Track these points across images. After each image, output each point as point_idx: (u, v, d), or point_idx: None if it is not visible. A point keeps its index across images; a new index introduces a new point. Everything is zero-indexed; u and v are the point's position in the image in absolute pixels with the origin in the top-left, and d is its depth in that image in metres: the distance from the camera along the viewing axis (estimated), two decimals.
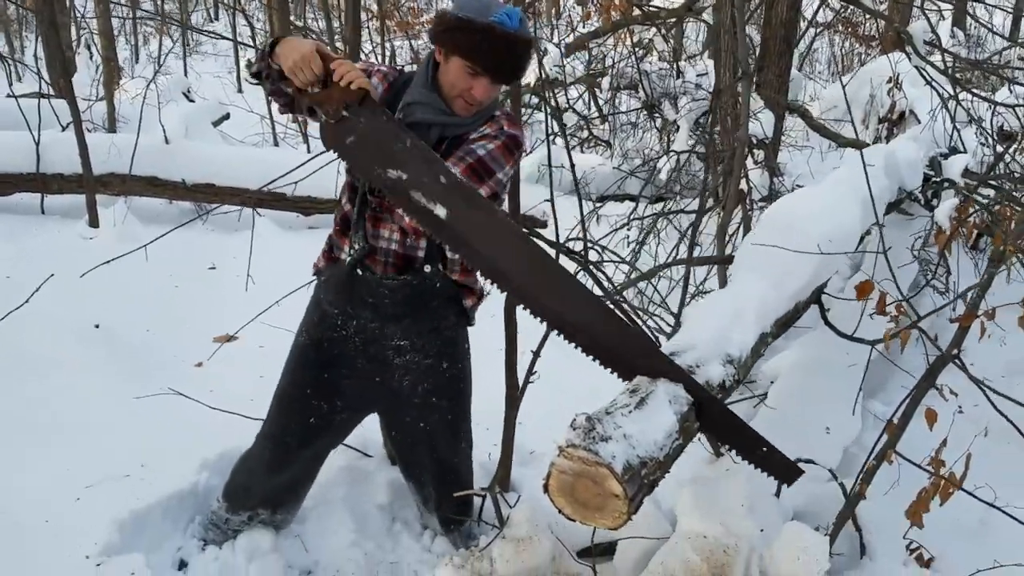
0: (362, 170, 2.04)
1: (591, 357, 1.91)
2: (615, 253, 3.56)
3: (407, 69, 2.24)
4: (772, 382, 3.38)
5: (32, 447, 2.82)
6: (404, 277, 2.18)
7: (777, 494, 2.37)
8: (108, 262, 2.81)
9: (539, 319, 1.94)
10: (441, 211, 1.89)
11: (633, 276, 3.17)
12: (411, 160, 1.92)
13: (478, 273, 2.07)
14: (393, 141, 1.94)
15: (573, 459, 1.58)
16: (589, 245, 2.99)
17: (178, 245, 5.24)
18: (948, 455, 2.54)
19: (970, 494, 2.26)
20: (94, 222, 5.29)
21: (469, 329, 2.40)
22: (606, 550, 2.44)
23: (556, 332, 1.92)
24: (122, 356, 3.58)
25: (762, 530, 2.23)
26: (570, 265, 2.58)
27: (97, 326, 3.86)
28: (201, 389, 3.16)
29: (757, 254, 2.57)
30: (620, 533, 2.34)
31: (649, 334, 2.91)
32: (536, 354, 2.49)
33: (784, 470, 1.94)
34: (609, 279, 2.82)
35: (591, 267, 2.69)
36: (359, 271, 2.17)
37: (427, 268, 2.19)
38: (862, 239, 3.21)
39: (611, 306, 2.03)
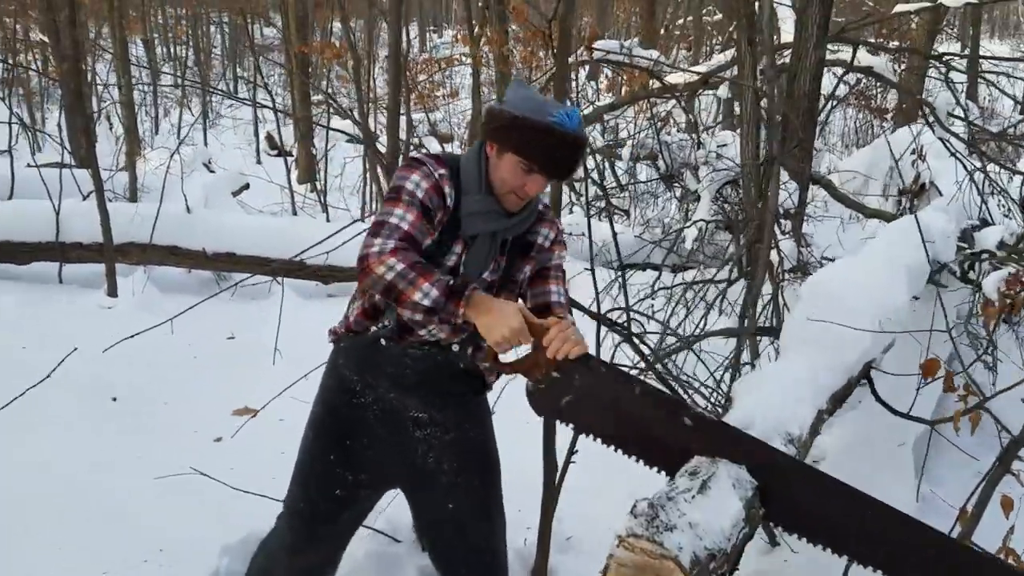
0: (584, 428, 1.88)
1: None
2: (663, 324, 3.45)
3: (445, 151, 2.19)
4: (816, 462, 3.22)
5: (48, 529, 2.70)
6: (427, 349, 2.11)
7: None
8: (132, 336, 2.72)
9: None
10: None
11: (672, 345, 3.05)
12: (644, 408, 1.78)
13: None
14: (621, 392, 1.80)
15: (635, 550, 1.43)
16: (632, 316, 2.89)
17: (197, 314, 5.19)
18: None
19: None
20: (113, 291, 5.24)
21: (491, 398, 2.29)
22: None
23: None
24: (140, 431, 3.49)
25: None
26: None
27: (115, 399, 3.76)
28: (221, 466, 3.04)
29: (807, 327, 2.47)
30: None
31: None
32: (576, 434, 2.36)
33: None
34: (652, 349, 2.71)
35: (634, 338, 2.58)
36: (383, 342, 2.09)
37: (455, 347, 2.12)
38: None
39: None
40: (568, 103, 2.73)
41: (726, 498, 1.62)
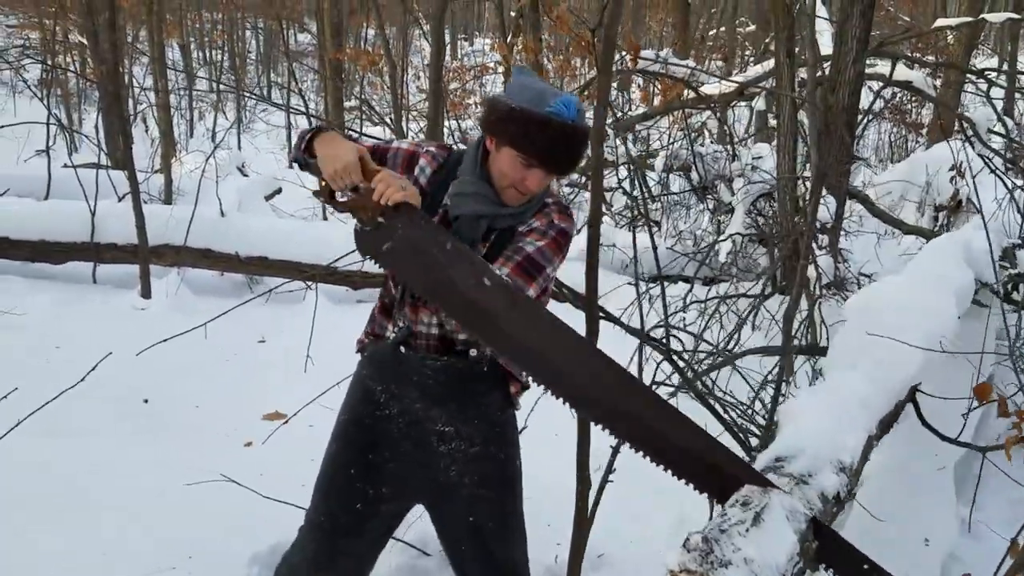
0: (401, 276, 1.99)
1: (661, 466, 1.73)
2: (708, 342, 3.40)
3: (456, 147, 2.15)
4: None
5: (76, 530, 2.69)
6: (446, 359, 2.08)
7: None
8: (168, 340, 2.71)
9: (601, 426, 1.77)
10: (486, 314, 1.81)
11: (714, 361, 3.00)
12: (453, 263, 1.83)
13: (528, 376, 1.95)
14: (433, 246, 1.85)
15: None
16: (671, 333, 2.84)
17: (228, 317, 5.22)
18: None
19: None
20: (146, 292, 5.27)
21: (518, 413, 2.25)
22: None
23: (614, 435, 1.78)
24: (170, 434, 3.49)
25: None
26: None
27: (146, 401, 3.77)
28: (251, 472, 3.02)
29: (854, 350, 2.41)
30: None
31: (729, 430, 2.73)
32: (616, 450, 2.32)
33: None
34: (690, 365, 2.66)
35: (673, 356, 2.53)
36: (402, 349, 2.07)
37: (472, 352, 2.09)
38: None
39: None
40: (609, 112, 2.70)
41: (780, 530, 1.55)
